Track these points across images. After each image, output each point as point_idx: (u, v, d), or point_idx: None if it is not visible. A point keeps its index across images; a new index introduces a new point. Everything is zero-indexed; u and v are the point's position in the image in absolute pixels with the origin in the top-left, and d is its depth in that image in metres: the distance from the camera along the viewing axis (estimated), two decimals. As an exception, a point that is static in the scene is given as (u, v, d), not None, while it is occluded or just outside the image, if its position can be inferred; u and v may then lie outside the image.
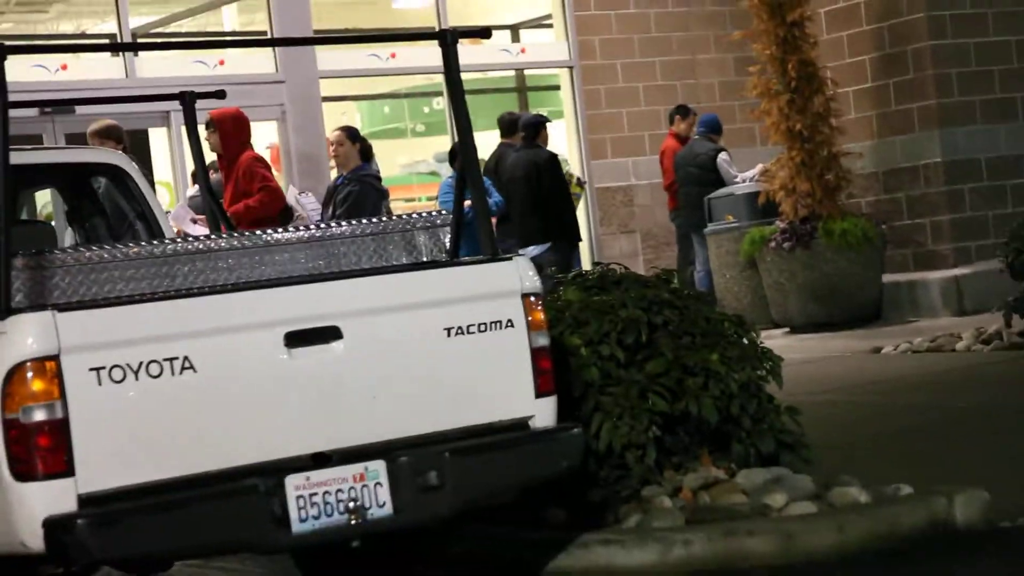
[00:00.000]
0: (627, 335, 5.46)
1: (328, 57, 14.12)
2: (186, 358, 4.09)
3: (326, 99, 14.13)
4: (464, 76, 15.78)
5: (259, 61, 13.84)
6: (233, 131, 10.03)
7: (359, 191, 10.47)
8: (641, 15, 15.94)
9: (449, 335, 4.52)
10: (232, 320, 4.19)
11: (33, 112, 12.49)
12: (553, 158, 12.03)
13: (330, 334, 4.33)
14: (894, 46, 13.42)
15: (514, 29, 17.05)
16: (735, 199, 13.80)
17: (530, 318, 4.68)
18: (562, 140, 15.76)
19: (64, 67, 12.72)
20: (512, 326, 4.63)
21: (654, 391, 5.40)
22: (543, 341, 4.71)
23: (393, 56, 14.56)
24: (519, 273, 4.73)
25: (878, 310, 13.17)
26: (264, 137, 14.31)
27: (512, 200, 12.02)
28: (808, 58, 13.09)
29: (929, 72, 13.18)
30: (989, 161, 13.36)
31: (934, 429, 6.98)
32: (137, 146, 14.86)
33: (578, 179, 13.26)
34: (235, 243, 4.50)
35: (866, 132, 13.72)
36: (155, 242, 4.42)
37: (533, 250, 11.85)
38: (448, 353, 4.53)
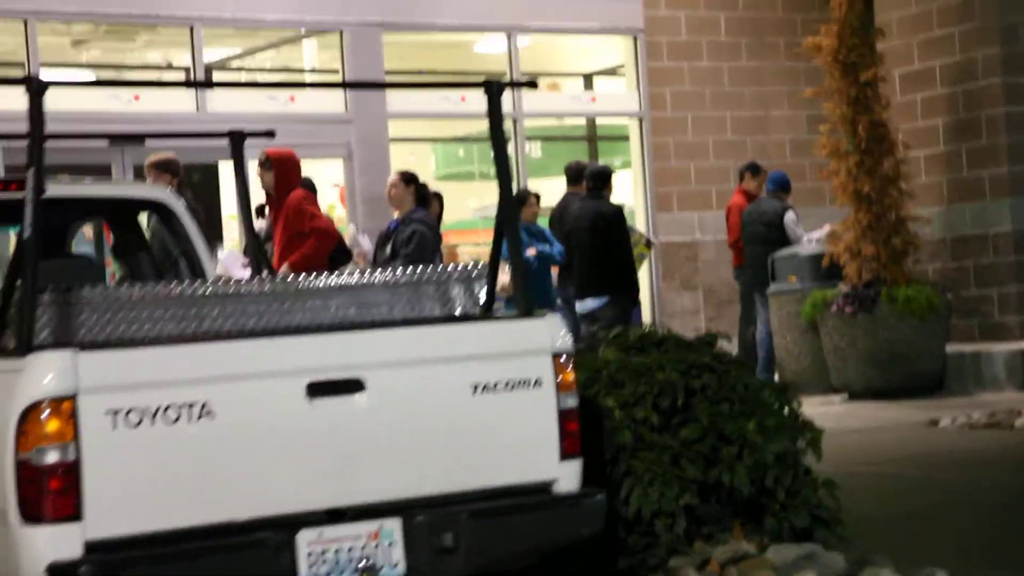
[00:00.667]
0: (663, 399, 5.36)
1: (398, 98, 14.15)
2: (205, 404, 4.03)
3: (394, 140, 14.15)
4: (535, 123, 15.89)
5: (329, 99, 13.89)
6: (289, 171, 10.04)
7: (423, 233, 10.44)
8: (714, 68, 15.88)
9: (475, 392, 4.44)
10: (254, 367, 4.13)
11: (104, 143, 12.60)
12: (619, 211, 11.96)
13: (353, 386, 4.26)
14: (968, 111, 13.25)
15: (588, 77, 17.02)
16: (799, 260, 13.64)
17: (560, 378, 4.59)
18: (628, 191, 15.71)
19: (136, 98, 12.81)
20: (540, 385, 4.55)
21: (687, 458, 5.30)
22: (571, 402, 4.61)
23: (464, 100, 14.54)
24: (550, 331, 4.65)
25: (941, 380, 12.95)
26: (330, 176, 14.36)
27: (574, 250, 11.94)
28: (879, 119, 12.96)
29: (1002, 139, 13.00)
30: (1060, 232, 13.15)
31: (979, 509, 6.81)
32: (208, 179, 15.00)
33: (647, 239, 13.16)
34: (266, 288, 4.45)
35: (936, 197, 13.54)
36: (185, 283, 4.37)
37: (591, 303, 11.78)
38: (473, 410, 4.45)
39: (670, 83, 15.65)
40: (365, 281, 4.61)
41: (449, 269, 4.83)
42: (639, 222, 15.60)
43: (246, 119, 13.23)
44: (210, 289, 4.36)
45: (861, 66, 12.95)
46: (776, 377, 14.00)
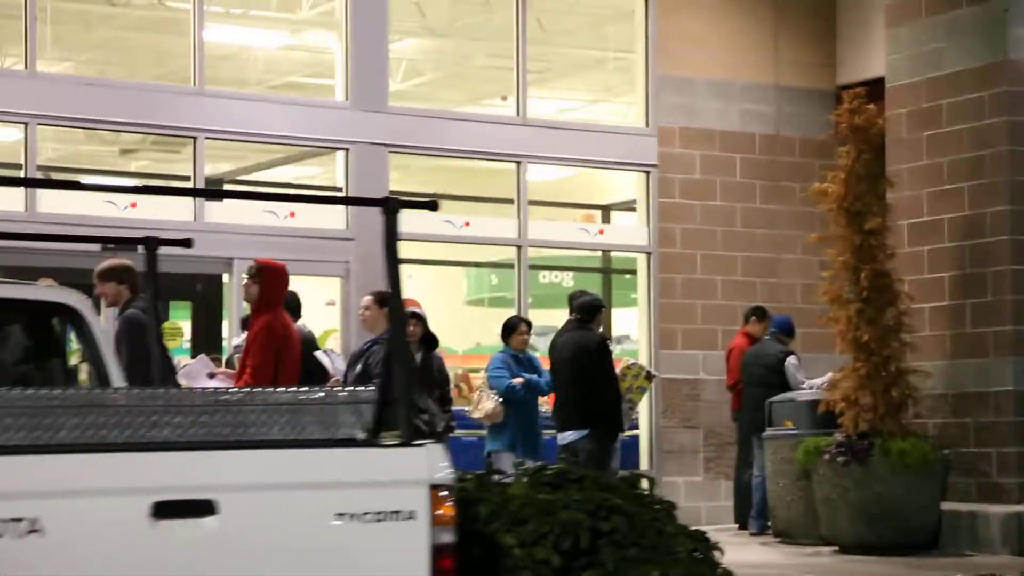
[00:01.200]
0: (565, 539, 5.14)
1: (402, 219, 14.05)
2: (35, 520, 3.83)
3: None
4: (547, 252, 15.66)
5: (330, 216, 13.83)
6: (276, 286, 9.66)
7: None
8: (727, 208, 15.76)
9: (340, 521, 4.24)
10: (93, 483, 3.94)
11: (97, 247, 12.55)
12: (602, 342, 11.79)
13: (203, 508, 4.07)
14: (974, 266, 13.03)
15: (605, 210, 16.96)
16: (796, 405, 13.40)
17: (437, 511, 4.38)
18: (634, 325, 15.53)
19: (133, 205, 12.78)
20: (413, 518, 4.34)
21: (587, 604, 5.07)
22: (447, 538, 4.40)
23: (468, 224, 14.48)
24: (429, 461, 4.45)
25: (935, 538, 12.60)
26: (326, 293, 14.28)
27: (556, 382, 11.81)
28: (883, 269, 12.77)
29: (1008, 297, 12.76)
30: (1063, 395, 12.83)
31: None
32: (213, 290, 14.88)
33: (648, 372, 12.96)
34: (132, 399, 4.28)
35: (939, 351, 13.27)
36: (44, 390, 4.20)
37: (571, 435, 11.58)
38: (337, 541, 4.24)
39: (681, 220, 15.53)
40: (243, 399, 4.43)
41: (337, 392, 4.65)
42: (642, 356, 15.41)
43: (243, 231, 13.23)
44: (69, 397, 4.19)
45: (867, 215, 12.80)
46: (769, 524, 13.72)
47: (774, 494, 13.43)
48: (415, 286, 15.74)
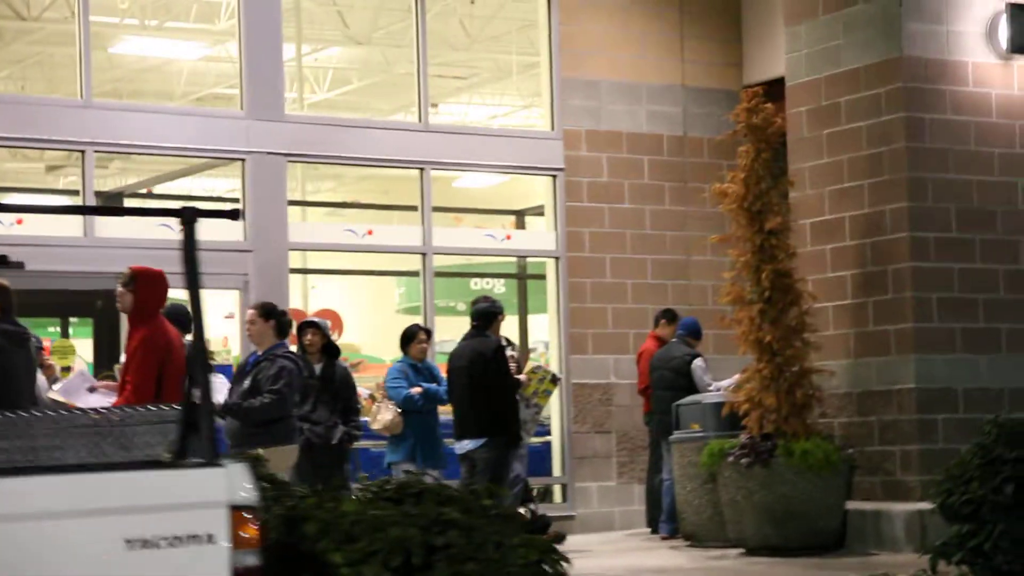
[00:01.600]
0: (394, 557, 4.99)
1: (301, 229, 13.91)
2: None
3: (295, 271, 13.87)
4: (455, 260, 15.41)
5: (226, 228, 13.61)
6: (154, 295, 9.29)
7: (291, 370, 10.11)
8: (636, 211, 15.66)
9: (130, 548, 4.06)
10: None
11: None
12: (498, 349, 11.64)
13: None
14: (876, 264, 12.98)
15: (519, 215, 16.80)
16: (702, 408, 13.30)
17: (239, 533, 4.22)
18: (544, 331, 15.40)
19: (20, 222, 12.54)
20: (212, 542, 4.17)
21: (418, 623, 4.92)
22: (251, 561, 4.23)
23: (370, 233, 14.31)
24: (229, 482, 4.28)
25: (841, 538, 12.54)
26: (224, 307, 14.08)
27: (453, 390, 11.67)
28: (784, 269, 12.69)
29: (908, 294, 12.71)
30: (967, 392, 12.80)
31: None
32: (111, 306, 14.49)
33: (553, 375, 12.84)
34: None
35: (843, 350, 13.22)
36: None
37: (468, 444, 11.45)
38: (127, 568, 4.07)
39: (589, 224, 15.41)
40: (33, 420, 4.25)
41: (139, 411, 4.48)
42: (553, 361, 15.29)
43: (137, 245, 12.99)
44: None
45: (767, 214, 12.73)
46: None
47: (682, 497, 13.33)
48: (332, 295, 15.61)
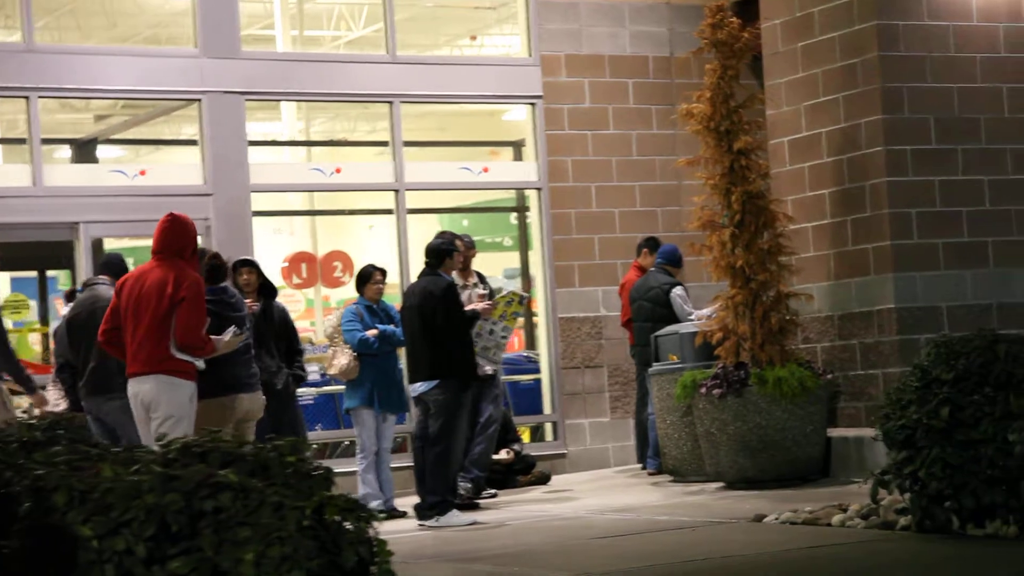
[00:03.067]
0: (148, 526, 4.60)
1: (262, 171, 13.51)
2: None
3: (258, 214, 13.49)
4: (430, 194, 14.86)
5: (186, 172, 13.27)
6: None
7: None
8: (622, 136, 15.12)
9: None
10: None
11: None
12: (449, 287, 11.19)
13: None
14: (853, 181, 12.40)
15: (483, 146, 16.21)
16: (680, 338, 12.82)
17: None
18: (537, 264, 14.93)
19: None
20: None
21: (175, 595, 4.54)
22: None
23: (339, 171, 13.89)
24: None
25: (825, 467, 12.05)
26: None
27: (406, 331, 11.26)
28: (755, 190, 12.14)
29: (885, 211, 12.13)
30: (952, 310, 12.22)
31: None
32: (60, 258, 14.14)
33: (520, 296, 12.32)
34: None
35: (823, 272, 12.67)
36: None
37: (421, 386, 11.05)
38: None
39: (572, 152, 14.90)
40: None
41: None
42: (539, 295, 14.83)
43: (87, 194, 12.69)
44: None
45: (736, 134, 12.17)
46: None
47: (662, 431, 12.90)
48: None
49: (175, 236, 8.97)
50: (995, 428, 7.89)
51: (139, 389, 8.81)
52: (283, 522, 4.77)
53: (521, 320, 15.43)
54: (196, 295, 8.77)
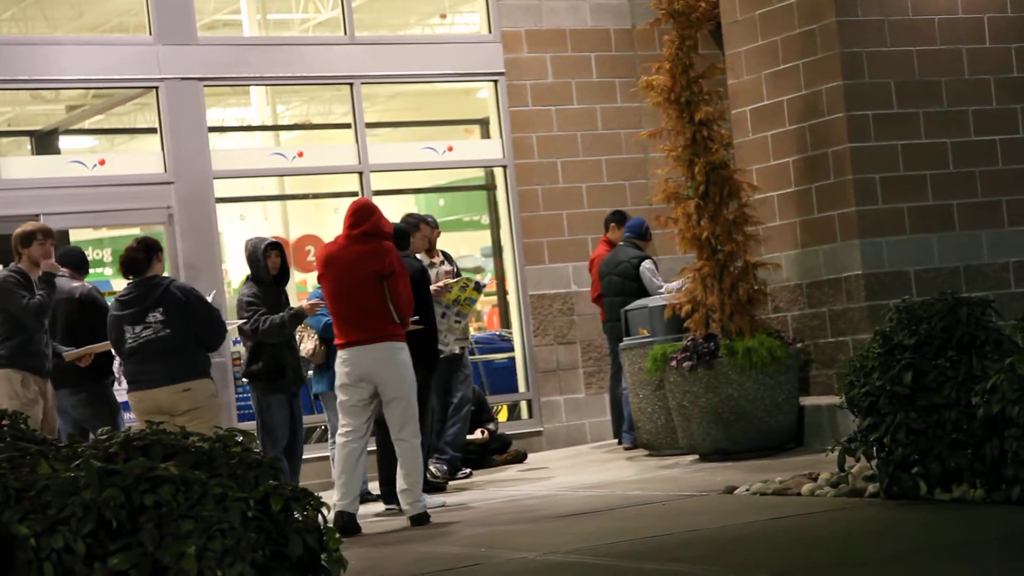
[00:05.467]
0: (86, 523, 4.54)
1: (224, 157, 13.41)
2: None
3: (221, 200, 13.38)
4: (398, 176, 14.67)
5: (146, 160, 13.16)
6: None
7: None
8: (586, 111, 15.04)
9: None
10: None
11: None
12: (421, 271, 11.11)
13: None
14: (815, 148, 12.34)
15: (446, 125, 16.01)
16: (649, 312, 12.77)
17: None
18: (507, 243, 14.84)
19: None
20: None
21: (116, 593, 4.47)
22: None
23: (301, 155, 13.80)
24: None
25: (799, 436, 12.02)
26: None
27: None
28: (719, 160, 12.07)
29: (849, 177, 12.06)
30: (919, 274, 12.18)
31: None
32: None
33: (476, 283, 12.26)
34: None
35: (790, 241, 12.62)
36: None
37: (391, 369, 10.89)
38: None
39: (536, 129, 14.82)
40: None
41: None
42: (508, 273, 14.77)
43: (47, 185, 12.58)
44: None
45: (696, 105, 12.10)
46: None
47: (635, 406, 12.86)
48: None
49: (365, 216, 9.66)
50: (958, 392, 7.86)
51: (358, 358, 9.66)
52: (226, 514, 4.71)
53: (494, 298, 15.40)
54: (401, 269, 9.62)
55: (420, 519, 9.48)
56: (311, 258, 15.23)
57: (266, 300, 10.64)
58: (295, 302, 14.51)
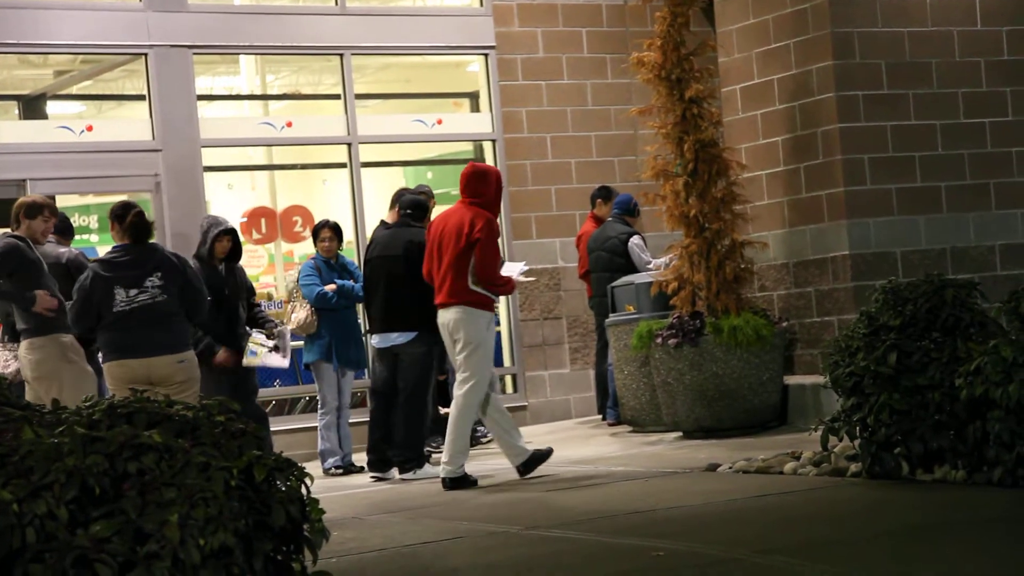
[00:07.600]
0: (69, 489, 4.53)
1: (212, 125, 13.37)
2: None
3: (209, 169, 13.35)
4: (388, 148, 14.54)
5: (133, 128, 13.11)
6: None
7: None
8: (577, 86, 15.02)
9: None
10: None
11: None
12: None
13: None
14: (805, 128, 12.34)
15: (435, 98, 15.92)
16: (636, 288, 12.77)
17: None
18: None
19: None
20: None
21: (98, 559, 4.47)
22: None
23: (289, 125, 13.77)
24: None
25: (783, 415, 12.05)
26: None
27: (378, 281, 10.95)
28: (708, 138, 12.07)
29: (838, 157, 12.07)
30: (906, 255, 12.20)
31: None
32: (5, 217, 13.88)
33: None
34: None
35: (778, 220, 12.63)
36: None
37: (397, 338, 10.81)
38: None
39: (526, 103, 14.80)
40: None
41: None
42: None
43: (37, 150, 12.54)
44: None
45: (687, 82, 12.08)
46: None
47: (620, 382, 12.87)
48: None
49: (477, 182, 9.93)
50: (942, 373, 7.88)
51: (445, 318, 9.89)
52: (209, 483, 4.71)
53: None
54: (490, 236, 9.78)
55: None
56: (298, 228, 15.20)
57: (207, 280, 10.27)
58: (279, 272, 14.60)
